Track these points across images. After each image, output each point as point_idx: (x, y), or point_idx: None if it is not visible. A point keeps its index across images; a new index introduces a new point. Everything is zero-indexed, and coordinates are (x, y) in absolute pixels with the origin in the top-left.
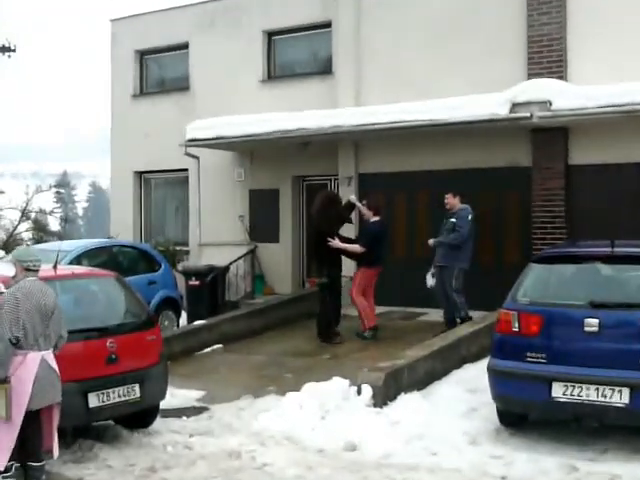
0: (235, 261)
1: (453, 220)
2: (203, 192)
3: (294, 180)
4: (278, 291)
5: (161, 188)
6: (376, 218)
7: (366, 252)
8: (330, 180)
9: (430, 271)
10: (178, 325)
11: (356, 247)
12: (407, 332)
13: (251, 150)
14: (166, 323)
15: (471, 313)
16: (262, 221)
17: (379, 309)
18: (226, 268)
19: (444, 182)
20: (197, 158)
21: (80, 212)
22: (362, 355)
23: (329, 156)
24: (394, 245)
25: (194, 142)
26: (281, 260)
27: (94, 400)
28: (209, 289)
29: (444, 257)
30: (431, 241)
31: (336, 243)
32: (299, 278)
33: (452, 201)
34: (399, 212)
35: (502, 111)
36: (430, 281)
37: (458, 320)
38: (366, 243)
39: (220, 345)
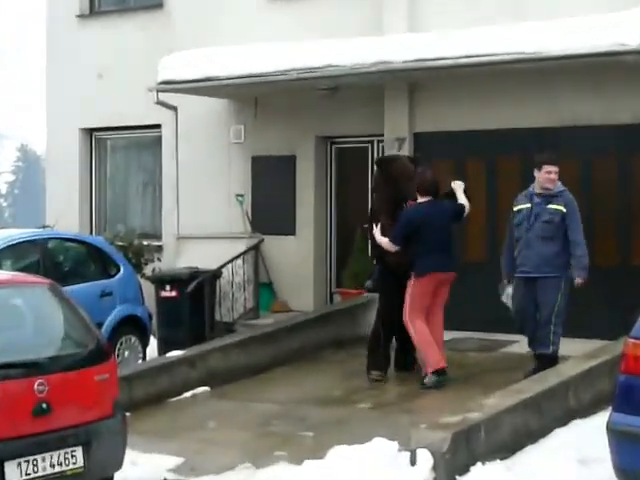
0: (230, 262)
1: (556, 207)
2: (183, 160)
3: (318, 142)
4: (294, 307)
5: (121, 154)
6: (424, 199)
7: (402, 251)
8: (371, 143)
9: (505, 284)
10: (144, 358)
11: (384, 241)
12: (485, 370)
13: (255, 98)
14: (126, 354)
15: (579, 342)
16: (270, 203)
17: (445, 335)
18: (217, 273)
19: (538, 145)
20: (174, 109)
21: (3, 189)
22: (419, 404)
23: (370, 107)
24: (466, 243)
25: (170, 85)
26: (298, 261)
27: (14, 472)
28: (191, 304)
29: (544, 262)
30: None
31: (375, 233)
32: (325, 288)
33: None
34: (474, 192)
35: (632, 41)
36: (506, 295)
37: (549, 350)
38: (396, 236)
39: (207, 388)
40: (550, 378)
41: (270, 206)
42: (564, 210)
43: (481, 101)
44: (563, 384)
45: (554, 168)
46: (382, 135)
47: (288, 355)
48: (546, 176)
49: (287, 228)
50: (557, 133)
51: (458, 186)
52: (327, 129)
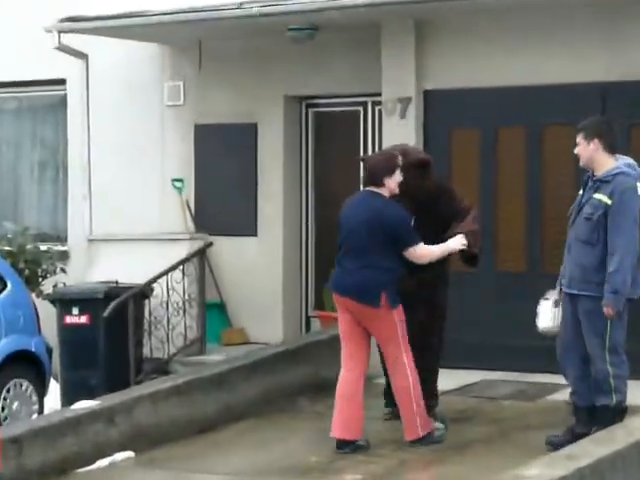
0: (165, 274)
1: (600, 198)
2: (97, 131)
3: (289, 105)
4: (255, 337)
5: (8, 122)
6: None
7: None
8: (364, 105)
9: (551, 298)
10: (41, 411)
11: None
12: (522, 425)
13: (198, 42)
14: (14, 406)
15: None
16: (222, 191)
17: (463, 376)
18: (145, 290)
19: (592, 109)
20: (84, 58)
21: None
22: (428, 474)
23: (362, 55)
24: (497, 245)
25: (78, 24)
26: (262, 273)
27: None
28: (109, 334)
29: (581, 276)
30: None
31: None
32: (300, 310)
33: (587, 151)
34: (512, 175)
35: None
36: (547, 318)
37: (613, 401)
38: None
39: (130, 453)
40: (617, 438)
41: (221, 195)
42: (609, 202)
43: (519, 44)
44: (636, 447)
45: (577, 138)
46: (379, 95)
47: (247, 405)
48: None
49: (246, 226)
50: (617, 90)
51: (455, 243)
52: (301, 86)
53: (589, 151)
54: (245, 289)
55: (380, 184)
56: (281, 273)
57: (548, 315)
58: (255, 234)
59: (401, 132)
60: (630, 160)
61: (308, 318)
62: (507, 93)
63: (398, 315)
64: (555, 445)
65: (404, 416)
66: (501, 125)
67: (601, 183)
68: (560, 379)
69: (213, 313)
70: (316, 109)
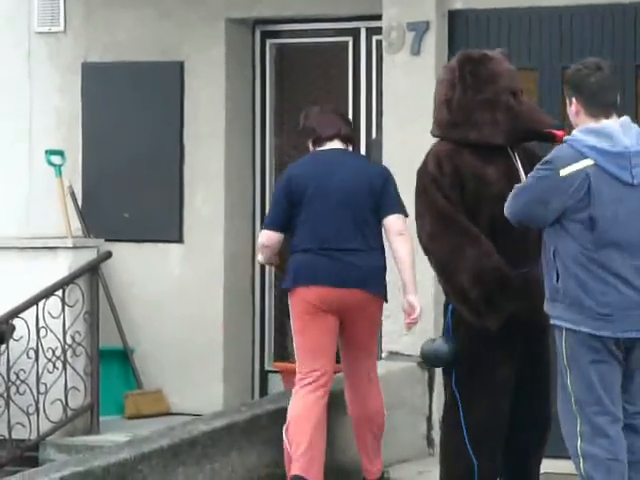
0: (34, 304)
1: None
2: None
3: (234, 33)
4: (179, 404)
5: None
6: (321, 147)
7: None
8: (355, 33)
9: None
10: None
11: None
12: None
13: None
14: None
15: None
16: (125, 172)
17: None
18: (1, 328)
19: None
20: None
21: None
22: None
23: None
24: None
25: None
26: (191, 302)
27: None
28: None
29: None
30: None
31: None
32: (251, 361)
33: (571, 115)
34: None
35: None
36: None
37: None
38: (270, 219)
39: None
40: None
41: (125, 178)
42: None
43: None
44: None
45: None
46: (377, 18)
47: None
48: None
49: (164, 227)
50: None
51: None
52: (254, 3)
53: (571, 115)
54: (164, 328)
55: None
56: (221, 302)
57: None
58: (180, 240)
59: (413, 76)
60: (619, 124)
61: (265, 373)
62: (573, 12)
63: None
64: None
65: (373, 448)
66: (557, 65)
67: None
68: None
69: (112, 366)
70: (278, 40)
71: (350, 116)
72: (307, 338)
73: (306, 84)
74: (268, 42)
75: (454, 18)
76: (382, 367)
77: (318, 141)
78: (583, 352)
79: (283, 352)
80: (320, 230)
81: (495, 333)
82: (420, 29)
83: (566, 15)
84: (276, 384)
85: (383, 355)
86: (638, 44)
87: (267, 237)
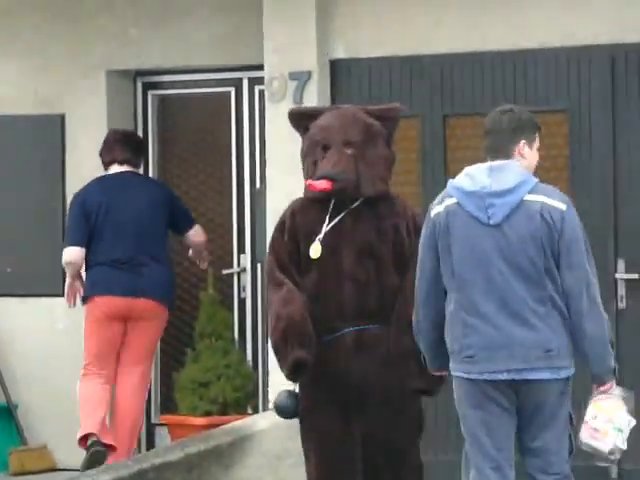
0: None
1: None
2: None
3: (115, 84)
4: (65, 460)
5: None
6: (114, 170)
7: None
8: (237, 86)
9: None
10: None
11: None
12: None
13: None
14: None
15: None
16: (5, 223)
17: None
18: None
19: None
20: None
21: None
22: None
23: (233, 10)
24: None
25: None
26: (75, 356)
27: None
28: None
29: None
30: None
31: None
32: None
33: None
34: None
35: None
36: (616, 441)
37: None
38: (69, 235)
39: None
40: None
41: (7, 232)
42: None
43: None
44: None
45: None
46: (259, 68)
47: None
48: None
49: (48, 281)
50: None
51: None
52: (135, 55)
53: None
54: (47, 383)
55: None
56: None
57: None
58: (63, 293)
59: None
60: (488, 166)
61: (151, 427)
62: (455, 61)
63: None
64: None
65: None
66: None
67: None
68: None
69: None
70: (160, 91)
71: (234, 166)
72: (94, 345)
73: (189, 135)
74: (150, 93)
75: (336, 67)
76: (268, 419)
77: (108, 164)
78: (463, 397)
79: (170, 405)
80: (113, 245)
81: (315, 388)
82: (302, 78)
83: (447, 63)
84: (163, 437)
85: (270, 406)
86: (518, 90)
87: (69, 254)
